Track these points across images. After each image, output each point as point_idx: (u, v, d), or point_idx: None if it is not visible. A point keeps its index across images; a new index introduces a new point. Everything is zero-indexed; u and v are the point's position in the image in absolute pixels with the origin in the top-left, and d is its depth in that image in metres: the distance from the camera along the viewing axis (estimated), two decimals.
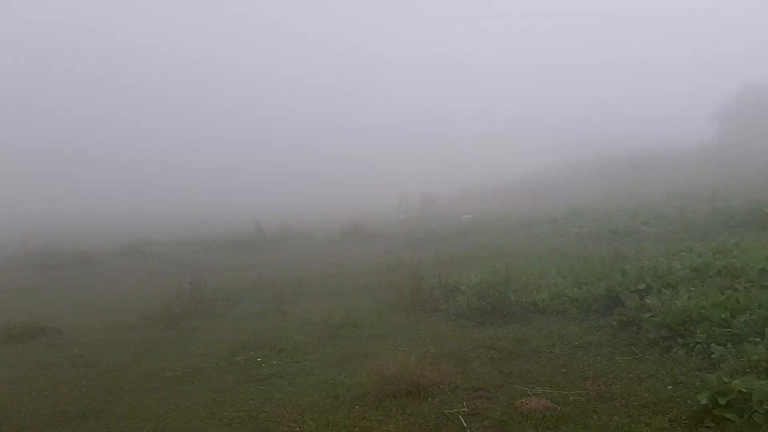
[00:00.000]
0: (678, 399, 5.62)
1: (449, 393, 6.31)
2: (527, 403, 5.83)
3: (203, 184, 56.71)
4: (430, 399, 6.15)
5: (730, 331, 6.73)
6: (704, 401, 5.08)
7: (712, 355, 6.44)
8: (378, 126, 77.70)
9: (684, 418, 5.20)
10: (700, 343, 6.80)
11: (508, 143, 63.03)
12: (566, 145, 54.71)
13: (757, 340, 6.29)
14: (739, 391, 5.01)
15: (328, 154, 67.59)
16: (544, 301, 9.63)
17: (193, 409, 6.44)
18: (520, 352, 7.64)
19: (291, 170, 61.29)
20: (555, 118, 66.66)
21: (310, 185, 52.80)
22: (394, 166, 57.35)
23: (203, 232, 27.63)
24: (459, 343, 8.29)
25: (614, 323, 8.27)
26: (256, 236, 23.94)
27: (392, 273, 13.21)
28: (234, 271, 16.80)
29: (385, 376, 6.46)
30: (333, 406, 6.20)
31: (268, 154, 70.15)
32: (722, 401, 5.02)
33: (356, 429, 5.57)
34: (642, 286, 8.98)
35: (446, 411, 5.81)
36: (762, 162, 29.67)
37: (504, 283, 10.18)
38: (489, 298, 9.71)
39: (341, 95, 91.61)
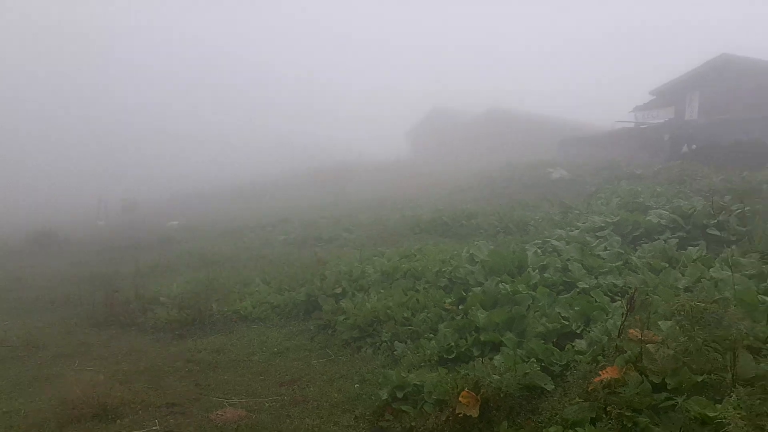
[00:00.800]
0: (364, 396, 6.02)
1: (141, 412, 5.93)
2: (222, 415, 5.72)
3: None
4: (119, 420, 5.72)
5: (410, 329, 7.44)
6: (385, 396, 5.52)
7: (395, 352, 7.06)
8: (71, 124, 70.63)
9: (368, 414, 5.58)
10: (386, 341, 7.41)
11: (223, 150, 62.60)
12: (282, 156, 56.59)
13: (431, 335, 7.04)
14: (414, 384, 5.54)
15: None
16: (247, 309, 9.63)
17: None
18: (219, 362, 7.51)
19: None
20: (271, 130, 68.36)
21: None
22: (92, 168, 52.79)
23: None
24: (155, 357, 7.85)
25: (312, 327, 8.63)
26: None
27: (84, 285, 12.04)
28: None
29: (68, 400, 5.92)
30: None
31: None
32: (400, 395, 5.50)
33: None
34: (339, 290, 9.49)
35: None
36: (440, 169, 34.38)
37: (207, 292, 9.97)
38: (190, 309, 9.42)
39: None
